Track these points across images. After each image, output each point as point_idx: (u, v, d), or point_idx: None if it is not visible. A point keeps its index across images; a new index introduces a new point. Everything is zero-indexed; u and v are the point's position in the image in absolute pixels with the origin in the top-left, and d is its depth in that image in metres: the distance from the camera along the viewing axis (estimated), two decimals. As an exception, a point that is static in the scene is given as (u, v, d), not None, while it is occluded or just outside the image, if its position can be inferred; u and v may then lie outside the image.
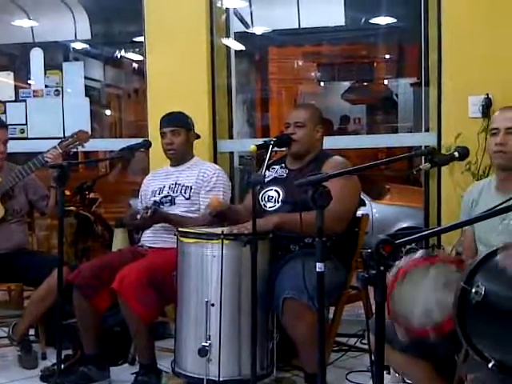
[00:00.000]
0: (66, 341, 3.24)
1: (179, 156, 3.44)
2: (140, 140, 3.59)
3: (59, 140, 3.44)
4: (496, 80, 3.55)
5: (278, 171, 3.14)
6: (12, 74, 4.81)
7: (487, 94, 3.56)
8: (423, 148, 3.85)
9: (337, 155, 3.07)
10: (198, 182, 3.35)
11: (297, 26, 7.05)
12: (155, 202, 3.37)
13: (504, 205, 1.74)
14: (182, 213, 3.31)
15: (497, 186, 2.46)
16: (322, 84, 11.30)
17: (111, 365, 3.32)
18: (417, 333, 2.03)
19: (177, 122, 3.41)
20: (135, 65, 9.30)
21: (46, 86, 4.52)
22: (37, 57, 4.58)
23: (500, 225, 2.32)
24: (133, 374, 3.13)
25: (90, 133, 3.59)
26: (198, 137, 3.63)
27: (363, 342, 3.61)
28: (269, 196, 3.05)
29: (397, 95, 10.65)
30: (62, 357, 2.95)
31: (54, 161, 3.28)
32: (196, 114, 3.54)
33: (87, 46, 8.03)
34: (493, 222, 2.29)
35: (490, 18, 3.61)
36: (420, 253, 2.08)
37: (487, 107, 3.55)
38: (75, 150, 3.45)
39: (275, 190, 3.04)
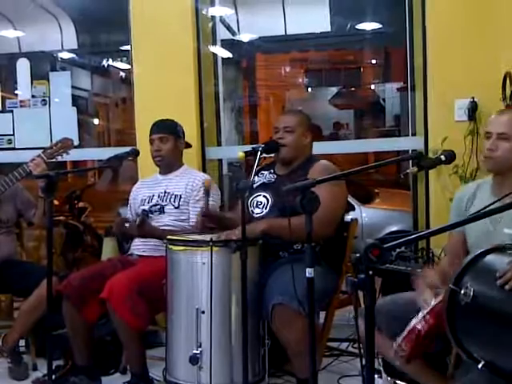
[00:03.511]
0: (57, 351, 3.23)
1: (167, 163, 3.44)
2: (128, 148, 3.59)
3: (43, 149, 3.44)
4: (481, 83, 3.58)
5: (266, 177, 3.14)
6: (-2, 84, 4.80)
7: (473, 98, 3.58)
8: (410, 152, 3.89)
9: (323, 160, 3.08)
10: (188, 191, 3.34)
11: (283, 33, 7.09)
12: (144, 210, 3.36)
13: (492, 206, 1.74)
14: (172, 222, 3.31)
15: (492, 189, 2.42)
16: (309, 90, 11.35)
17: (102, 374, 3.30)
18: None
19: (165, 128, 3.42)
20: (122, 74, 9.30)
21: (32, 96, 4.51)
22: (23, 67, 4.57)
23: (494, 230, 2.30)
24: (124, 383, 3.11)
25: (75, 141, 3.58)
26: (189, 146, 3.63)
27: (355, 346, 3.61)
28: (257, 202, 3.05)
29: (384, 100, 10.72)
30: (53, 367, 2.94)
31: (38, 169, 3.27)
32: (184, 122, 3.55)
33: (74, 55, 8.03)
34: (486, 227, 2.29)
35: (474, 22, 3.64)
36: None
37: (473, 111, 3.58)
38: (60, 157, 3.44)
39: (263, 196, 3.05)
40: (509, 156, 2.32)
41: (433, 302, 2.10)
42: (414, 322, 2.07)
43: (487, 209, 1.74)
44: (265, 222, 2.83)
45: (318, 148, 3.34)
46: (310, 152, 3.13)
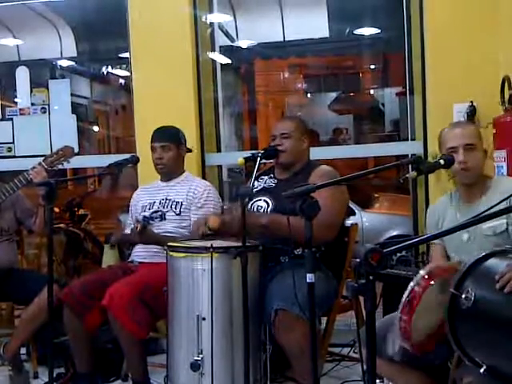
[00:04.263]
0: (58, 359, 3.22)
1: (169, 171, 3.44)
2: (128, 156, 3.59)
3: (44, 156, 3.44)
4: (480, 87, 3.58)
5: (266, 181, 3.15)
6: (-2, 92, 4.81)
7: (471, 102, 3.59)
8: (410, 156, 3.89)
9: (324, 165, 3.09)
10: (189, 198, 3.34)
11: (282, 39, 7.11)
12: (145, 217, 3.36)
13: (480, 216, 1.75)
14: (173, 228, 3.30)
15: (461, 197, 2.53)
16: (308, 95, 11.36)
17: (104, 382, 3.30)
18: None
19: (167, 137, 3.41)
20: (122, 81, 9.32)
21: (32, 104, 4.51)
22: (23, 75, 4.58)
23: (474, 228, 2.34)
24: (126, 390, 3.12)
25: (75, 149, 3.58)
26: (190, 150, 3.63)
27: (356, 351, 3.60)
28: (258, 206, 3.06)
29: (383, 105, 10.72)
30: (54, 375, 2.94)
31: (38, 177, 3.27)
32: (183, 129, 3.55)
33: (73, 63, 8.05)
34: (459, 234, 2.35)
35: (472, 26, 3.65)
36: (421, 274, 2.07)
37: (472, 114, 3.58)
38: (61, 165, 3.44)
39: (264, 200, 3.05)
40: (480, 164, 2.44)
41: (422, 272, 2.08)
42: (409, 286, 2.05)
43: (475, 218, 1.75)
44: (267, 217, 2.85)
45: (318, 153, 3.35)
46: (308, 157, 3.14)
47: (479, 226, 2.31)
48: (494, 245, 2.21)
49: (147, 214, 3.39)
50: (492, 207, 1.94)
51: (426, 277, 2.03)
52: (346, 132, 10.91)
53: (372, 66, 10.40)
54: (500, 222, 2.33)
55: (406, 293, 2.03)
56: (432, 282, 2.02)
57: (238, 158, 2.91)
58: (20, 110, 4.55)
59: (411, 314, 2.01)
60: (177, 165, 3.45)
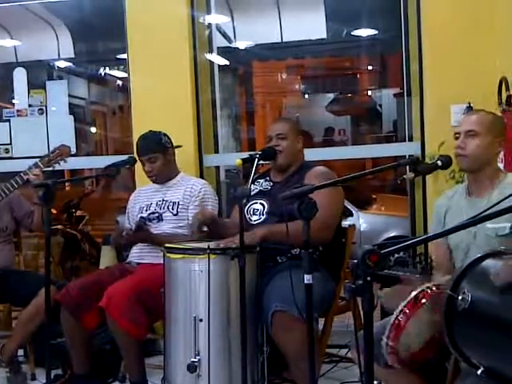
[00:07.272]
0: (56, 360, 3.22)
1: (162, 178, 3.44)
2: (125, 157, 3.59)
3: (40, 156, 3.43)
4: (477, 88, 3.58)
5: (262, 184, 3.15)
6: (-5, 94, 4.80)
7: (469, 103, 3.59)
8: (407, 157, 3.89)
9: (318, 166, 3.09)
10: (186, 198, 3.35)
11: (279, 40, 7.11)
12: (142, 218, 3.36)
13: (484, 214, 1.74)
14: (171, 229, 3.30)
15: (467, 190, 2.49)
16: (306, 96, 11.37)
17: (101, 383, 3.29)
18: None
19: (150, 148, 3.38)
20: (119, 82, 9.32)
21: (29, 106, 4.50)
22: (20, 76, 4.57)
23: (473, 228, 2.32)
24: (123, 391, 3.11)
25: (73, 149, 3.58)
26: (179, 146, 3.61)
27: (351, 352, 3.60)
28: (254, 209, 3.06)
29: (380, 106, 10.73)
30: (52, 377, 2.93)
31: (37, 180, 3.25)
32: (181, 130, 3.55)
33: (71, 64, 8.04)
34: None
35: (469, 27, 3.65)
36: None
37: (469, 115, 3.58)
38: (57, 165, 3.44)
39: (260, 203, 3.05)
40: (478, 152, 2.38)
41: (412, 294, 2.09)
42: (393, 316, 2.06)
43: (475, 218, 1.74)
44: (264, 229, 2.83)
45: (315, 154, 3.36)
46: (303, 158, 3.15)
47: (483, 223, 2.28)
48: (497, 246, 2.17)
49: (144, 215, 3.39)
50: (492, 206, 1.92)
51: (408, 305, 2.05)
52: (343, 133, 10.92)
53: (370, 67, 10.40)
54: (503, 225, 2.28)
55: (391, 322, 2.05)
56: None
57: (236, 159, 2.91)
58: (17, 111, 4.54)
59: (397, 337, 2.04)
60: (168, 170, 3.45)
